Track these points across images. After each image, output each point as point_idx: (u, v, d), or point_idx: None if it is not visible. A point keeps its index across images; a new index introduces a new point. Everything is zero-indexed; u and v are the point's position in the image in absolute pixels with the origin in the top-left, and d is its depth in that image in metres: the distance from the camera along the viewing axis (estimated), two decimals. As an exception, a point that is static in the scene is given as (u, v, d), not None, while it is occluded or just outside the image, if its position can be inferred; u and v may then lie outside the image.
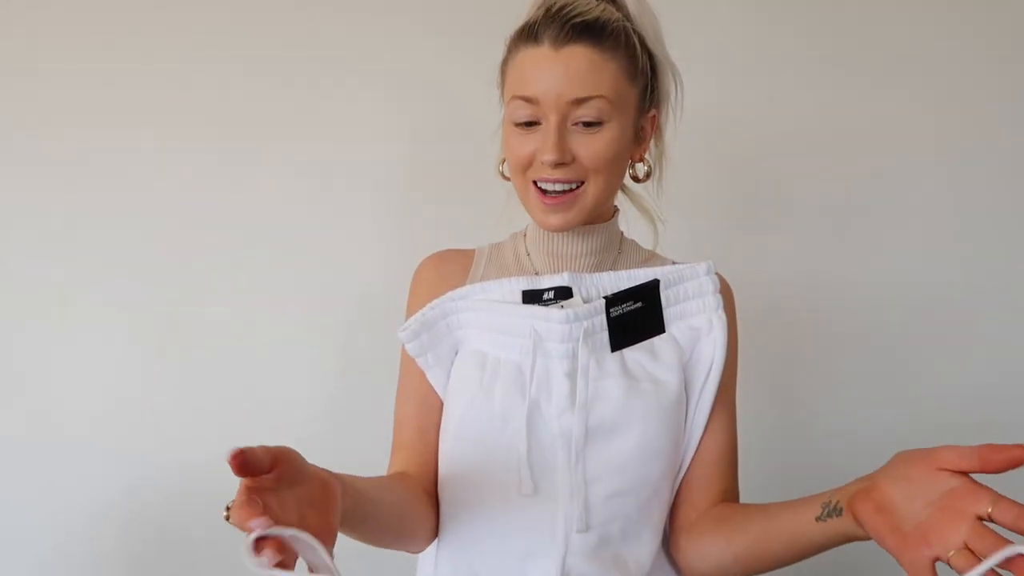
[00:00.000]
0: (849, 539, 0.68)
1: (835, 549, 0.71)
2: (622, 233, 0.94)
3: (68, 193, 1.41)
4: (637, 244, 0.95)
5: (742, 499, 0.89)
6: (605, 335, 0.83)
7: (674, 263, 0.92)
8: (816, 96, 1.47)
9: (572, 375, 0.80)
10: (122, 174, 1.41)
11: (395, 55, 1.44)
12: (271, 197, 1.43)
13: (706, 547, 0.82)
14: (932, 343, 1.47)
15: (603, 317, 0.82)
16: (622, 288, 0.85)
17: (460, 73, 1.31)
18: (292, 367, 1.43)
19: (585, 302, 0.83)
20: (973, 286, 1.47)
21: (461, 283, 0.90)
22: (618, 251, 0.92)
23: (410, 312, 0.91)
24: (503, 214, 0.95)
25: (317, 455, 0.72)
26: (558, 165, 0.80)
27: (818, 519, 0.70)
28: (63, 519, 1.41)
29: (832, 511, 0.68)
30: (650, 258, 0.94)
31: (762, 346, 1.33)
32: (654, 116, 0.89)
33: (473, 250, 0.95)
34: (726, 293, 0.91)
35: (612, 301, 0.82)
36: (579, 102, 0.79)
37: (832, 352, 1.48)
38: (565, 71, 0.78)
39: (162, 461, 1.41)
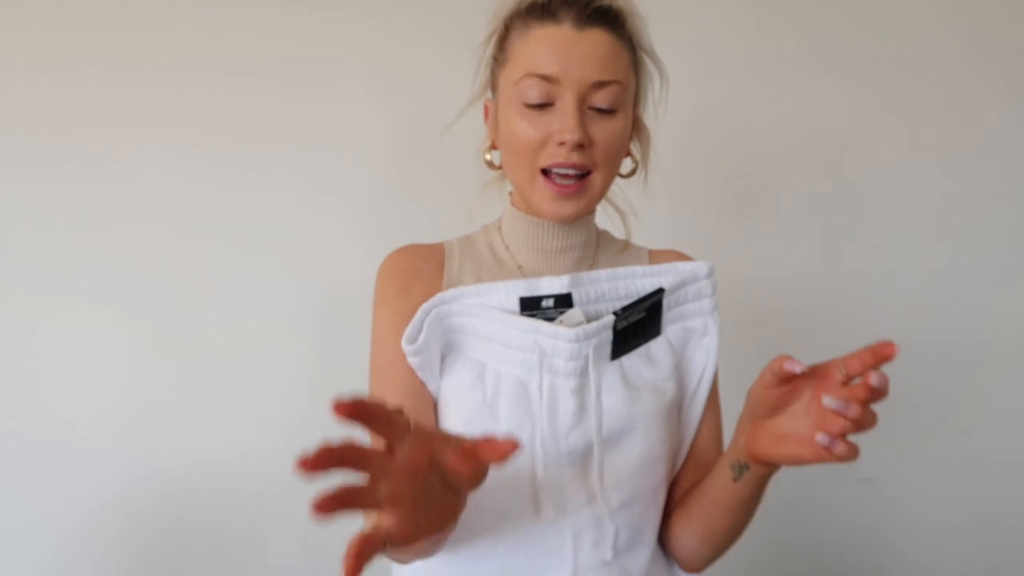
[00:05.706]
0: (768, 477, 0.74)
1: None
2: (595, 224, 0.93)
3: (68, 196, 1.41)
4: (610, 234, 0.93)
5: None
6: (607, 347, 0.79)
7: (649, 251, 0.92)
8: (810, 95, 1.49)
9: (579, 392, 0.77)
10: (121, 176, 1.42)
11: (378, 60, 1.45)
12: (268, 200, 1.45)
13: (679, 536, 0.85)
14: (920, 342, 1.49)
15: (610, 332, 0.78)
16: (620, 292, 0.82)
17: (440, 76, 1.29)
18: (293, 367, 1.45)
19: (583, 310, 0.79)
20: (961, 283, 1.51)
21: (437, 278, 0.85)
22: (596, 244, 0.90)
23: (380, 313, 0.84)
24: (473, 206, 0.91)
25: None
26: (577, 147, 0.76)
27: (735, 480, 0.75)
28: (64, 518, 1.41)
29: (741, 469, 0.74)
30: (625, 248, 0.92)
31: (751, 343, 1.33)
32: (636, 114, 0.87)
33: (441, 244, 0.89)
34: None
35: (621, 316, 0.78)
36: (600, 85, 0.76)
37: (819, 350, 1.49)
38: (589, 52, 0.76)
39: (161, 460, 1.42)
